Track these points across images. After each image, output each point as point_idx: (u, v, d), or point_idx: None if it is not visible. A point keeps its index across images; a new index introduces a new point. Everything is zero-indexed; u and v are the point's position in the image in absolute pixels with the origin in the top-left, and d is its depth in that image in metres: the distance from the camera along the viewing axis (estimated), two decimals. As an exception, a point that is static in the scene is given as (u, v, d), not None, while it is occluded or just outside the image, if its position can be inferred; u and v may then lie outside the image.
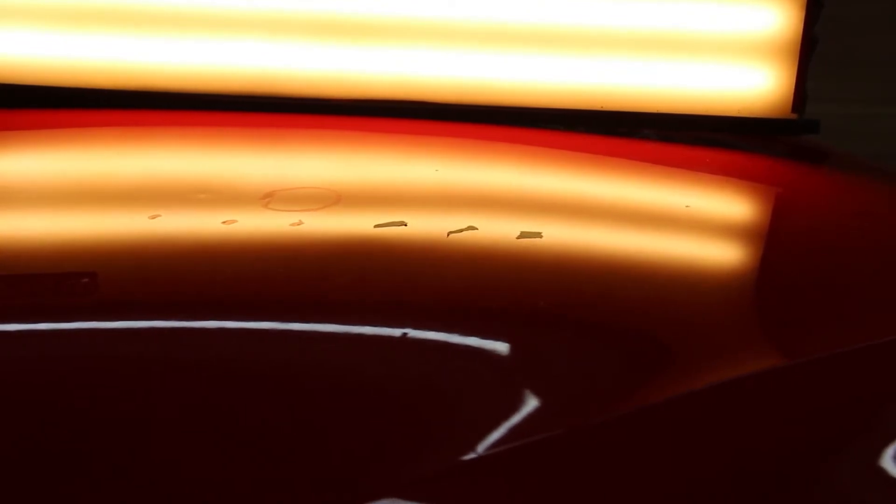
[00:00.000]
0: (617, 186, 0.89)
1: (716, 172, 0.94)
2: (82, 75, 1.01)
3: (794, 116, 1.00)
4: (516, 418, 0.52)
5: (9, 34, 1.00)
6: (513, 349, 0.58)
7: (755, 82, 1.00)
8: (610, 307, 0.64)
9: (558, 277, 0.66)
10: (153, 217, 0.70)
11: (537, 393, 0.55)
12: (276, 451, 0.49)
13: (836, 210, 0.88)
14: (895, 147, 2.16)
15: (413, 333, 0.58)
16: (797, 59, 0.99)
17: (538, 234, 0.69)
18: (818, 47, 0.99)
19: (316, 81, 1.01)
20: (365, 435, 0.51)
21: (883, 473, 0.55)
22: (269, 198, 0.74)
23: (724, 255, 0.77)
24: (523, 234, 0.69)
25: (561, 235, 0.72)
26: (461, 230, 0.69)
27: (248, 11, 1.00)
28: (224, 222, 0.69)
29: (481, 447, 0.50)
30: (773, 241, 0.81)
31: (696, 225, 0.80)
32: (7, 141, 0.93)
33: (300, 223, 0.69)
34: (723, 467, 0.53)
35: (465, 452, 0.50)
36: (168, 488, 0.48)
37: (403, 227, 0.69)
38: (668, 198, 0.86)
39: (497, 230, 0.71)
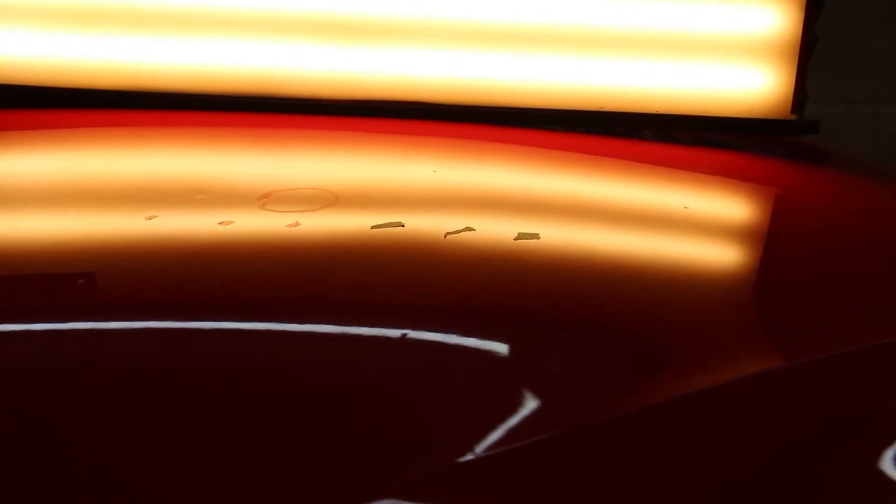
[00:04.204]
0: (616, 187, 0.89)
1: (715, 173, 0.94)
2: (82, 75, 1.01)
3: (793, 117, 1.00)
4: (514, 419, 0.52)
5: (9, 34, 1.00)
6: (511, 350, 0.58)
7: (755, 82, 1.00)
8: (608, 308, 0.64)
9: (556, 279, 0.66)
10: (150, 218, 0.70)
11: (535, 394, 0.55)
12: (275, 452, 0.49)
13: (836, 210, 0.88)
14: (895, 147, 2.16)
15: (411, 335, 0.58)
16: (797, 59, 0.99)
17: (536, 236, 0.69)
18: (818, 47, 0.99)
19: (316, 81, 1.01)
20: (364, 435, 0.51)
21: (883, 474, 0.55)
22: (265, 199, 0.74)
23: (723, 256, 0.77)
24: (521, 236, 0.69)
25: (558, 237, 0.72)
26: (459, 231, 0.69)
27: (248, 11, 1.00)
28: (220, 223, 0.69)
29: (480, 448, 0.50)
30: (773, 241, 0.81)
31: (695, 226, 0.80)
32: (7, 141, 0.93)
33: (297, 224, 0.69)
34: (723, 467, 0.53)
35: (464, 453, 0.50)
36: (168, 488, 0.48)
37: (401, 228, 0.69)
38: (667, 199, 0.86)
39: (494, 231, 0.71)
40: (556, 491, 0.50)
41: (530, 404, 0.54)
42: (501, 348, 0.59)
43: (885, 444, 0.55)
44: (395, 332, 0.58)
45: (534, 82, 1.01)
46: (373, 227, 0.69)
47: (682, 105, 1.01)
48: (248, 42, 1.01)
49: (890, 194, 0.97)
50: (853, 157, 1.09)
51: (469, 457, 0.49)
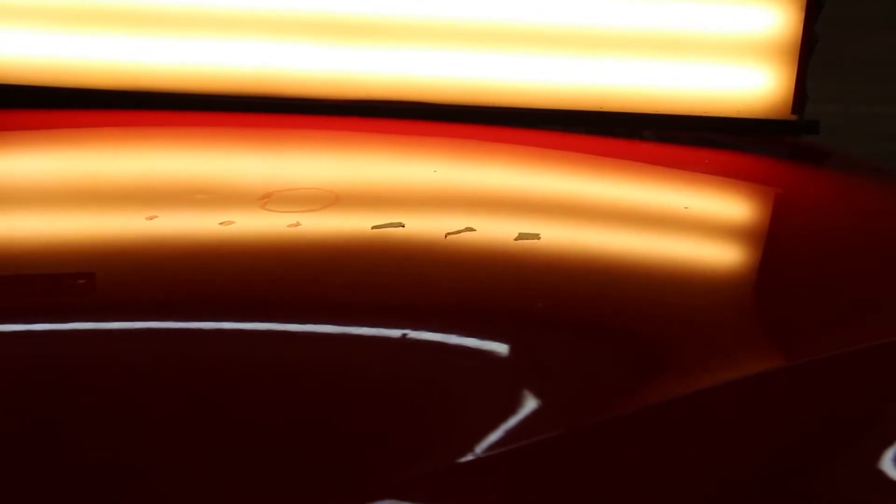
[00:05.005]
0: (616, 187, 0.89)
1: (716, 173, 0.94)
2: (82, 75, 1.01)
3: (793, 117, 1.00)
4: (515, 419, 0.52)
5: (9, 34, 1.00)
6: (511, 350, 0.58)
7: (755, 83, 1.00)
8: (608, 309, 0.64)
9: (556, 279, 0.66)
10: (150, 218, 0.69)
11: (536, 394, 0.55)
12: (275, 452, 0.49)
13: (836, 210, 0.88)
14: (895, 147, 2.16)
15: (412, 335, 0.58)
16: (797, 59, 0.99)
17: (536, 236, 0.69)
18: (818, 47, 0.99)
19: (316, 81, 1.01)
20: (364, 435, 0.51)
21: (883, 474, 0.55)
22: (266, 199, 0.74)
23: (723, 256, 0.77)
24: (521, 236, 0.69)
25: (559, 237, 0.72)
26: (459, 231, 0.68)
27: (248, 11, 1.00)
28: (221, 223, 0.69)
29: (480, 448, 0.50)
30: (773, 242, 0.81)
31: (695, 226, 0.80)
32: (7, 141, 0.93)
33: (298, 224, 0.69)
34: (723, 467, 0.53)
35: (464, 453, 0.50)
36: (168, 488, 0.48)
37: (401, 228, 0.69)
38: (667, 199, 0.86)
39: (495, 232, 0.71)
40: (556, 491, 0.50)
41: (530, 404, 0.54)
42: (502, 348, 0.59)
43: (885, 445, 0.55)
44: (395, 333, 0.58)
45: (534, 82, 1.01)
46: (373, 228, 0.69)
47: (682, 105, 1.01)
48: (248, 42, 1.01)
49: (890, 194, 0.96)
50: (853, 157, 1.09)
51: (469, 457, 0.49)
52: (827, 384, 0.59)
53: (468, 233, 0.69)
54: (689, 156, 0.99)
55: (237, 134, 0.96)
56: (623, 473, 0.52)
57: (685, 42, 1.00)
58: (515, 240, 0.68)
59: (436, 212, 0.76)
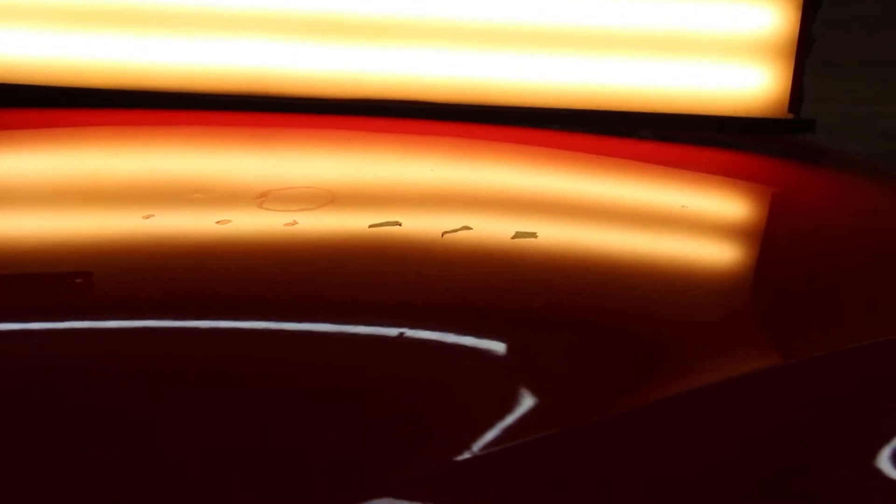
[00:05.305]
0: (614, 186, 0.89)
1: (713, 172, 0.94)
2: (82, 75, 1.01)
3: (790, 116, 1.00)
4: (513, 418, 0.52)
5: (9, 34, 1.00)
6: (509, 349, 0.58)
7: (752, 82, 1.00)
8: (606, 307, 0.64)
9: (553, 278, 0.66)
10: (147, 217, 0.70)
11: (533, 393, 0.55)
12: (273, 452, 0.49)
13: (834, 209, 0.88)
14: (895, 147, 2.16)
15: (409, 334, 0.58)
16: (794, 58, 0.99)
17: (533, 235, 0.69)
18: (817, 47, 0.99)
19: (316, 81, 1.01)
20: (363, 435, 0.51)
21: (882, 474, 0.55)
22: (263, 198, 0.74)
23: (722, 255, 0.77)
24: (518, 235, 0.69)
25: (556, 236, 0.72)
26: (456, 230, 0.68)
27: (248, 11, 1.00)
28: (218, 222, 0.69)
29: (478, 447, 0.50)
30: (772, 241, 0.81)
31: (693, 225, 0.80)
32: (7, 141, 0.93)
33: (294, 223, 0.69)
34: (723, 467, 0.53)
35: (463, 452, 0.50)
36: (168, 488, 0.48)
37: (398, 227, 0.69)
38: (665, 198, 0.86)
39: (492, 230, 0.71)
40: (556, 490, 0.50)
41: (528, 403, 0.54)
42: (499, 347, 0.59)
43: (885, 445, 0.55)
44: (392, 332, 0.58)
45: (533, 82, 1.01)
46: (370, 226, 0.69)
47: (680, 104, 1.01)
48: (248, 42, 1.01)
49: (888, 193, 0.96)
50: (852, 156, 1.09)
51: (467, 456, 0.49)
52: (827, 384, 0.59)
53: (465, 231, 0.69)
54: (686, 155, 0.99)
55: (235, 133, 0.96)
56: (623, 473, 0.52)
57: (683, 41, 0.99)
58: (512, 238, 0.68)
59: (433, 210, 0.76)
